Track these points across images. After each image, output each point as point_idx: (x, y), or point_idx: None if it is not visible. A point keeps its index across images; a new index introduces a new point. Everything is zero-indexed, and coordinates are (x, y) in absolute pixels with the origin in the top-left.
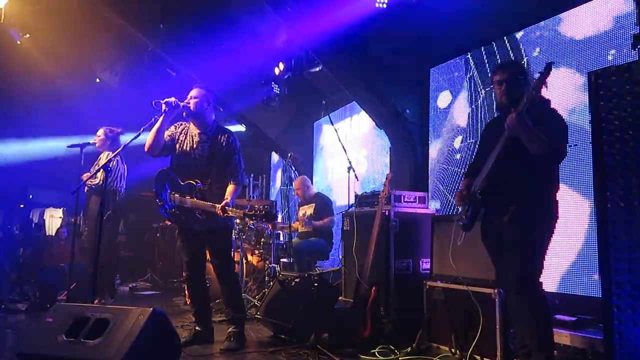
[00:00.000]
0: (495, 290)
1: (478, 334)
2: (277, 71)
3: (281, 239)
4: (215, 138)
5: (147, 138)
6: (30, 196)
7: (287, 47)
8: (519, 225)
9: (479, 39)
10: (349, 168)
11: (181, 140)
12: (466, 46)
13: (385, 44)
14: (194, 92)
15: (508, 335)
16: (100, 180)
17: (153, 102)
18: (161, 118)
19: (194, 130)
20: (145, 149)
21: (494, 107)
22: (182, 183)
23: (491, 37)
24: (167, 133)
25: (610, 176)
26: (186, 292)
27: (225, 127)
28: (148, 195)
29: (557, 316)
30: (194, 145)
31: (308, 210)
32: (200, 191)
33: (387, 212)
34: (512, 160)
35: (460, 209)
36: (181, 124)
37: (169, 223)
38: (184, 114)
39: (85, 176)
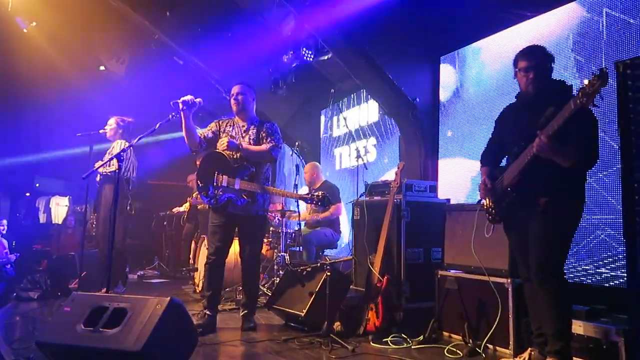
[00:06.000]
0: (509, 280)
1: (495, 324)
2: (285, 59)
3: (289, 228)
4: (262, 127)
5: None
6: (37, 184)
7: (295, 35)
8: (549, 217)
9: (491, 25)
10: (358, 157)
11: (228, 131)
12: (478, 33)
13: (395, 31)
14: (238, 89)
15: (521, 324)
16: (115, 168)
17: (171, 103)
18: (183, 117)
19: (240, 122)
20: (188, 147)
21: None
22: (235, 165)
23: (503, 25)
24: (208, 128)
25: (637, 166)
26: (195, 280)
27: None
28: (154, 183)
29: None
30: (243, 134)
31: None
32: (250, 174)
33: (398, 201)
34: (541, 158)
35: (481, 200)
36: (225, 119)
37: (186, 209)
38: (235, 108)
39: (98, 164)
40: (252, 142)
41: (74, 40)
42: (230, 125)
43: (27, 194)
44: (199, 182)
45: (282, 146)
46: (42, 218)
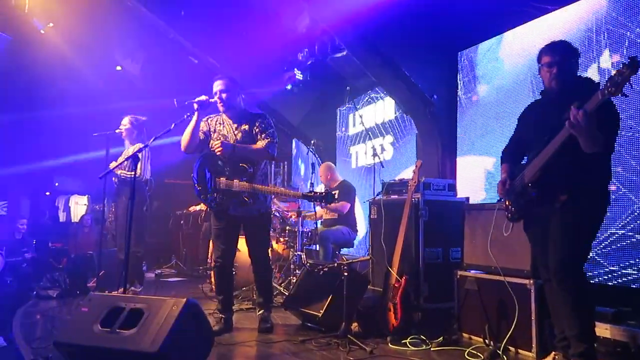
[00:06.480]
0: (531, 281)
1: (513, 326)
2: (300, 57)
3: (306, 227)
4: (254, 123)
5: (182, 138)
6: (57, 184)
7: (310, 32)
8: (569, 214)
9: (510, 20)
10: (374, 155)
11: (219, 130)
12: (496, 29)
13: (412, 27)
14: (220, 86)
15: (544, 326)
16: (136, 171)
17: (186, 103)
18: (195, 117)
19: (228, 119)
20: (182, 149)
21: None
22: (232, 167)
23: (522, 19)
24: (199, 130)
25: None
26: (212, 279)
27: (256, 111)
28: (171, 182)
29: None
30: (235, 132)
31: None
32: (249, 175)
33: (416, 200)
34: (564, 152)
35: (501, 199)
36: (213, 117)
37: (203, 208)
38: (221, 109)
39: (112, 165)
40: (246, 140)
41: (90, 41)
42: (220, 123)
43: (47, 193)
44: (197, 186)
45: (277, 139)
46: (62, 217)
